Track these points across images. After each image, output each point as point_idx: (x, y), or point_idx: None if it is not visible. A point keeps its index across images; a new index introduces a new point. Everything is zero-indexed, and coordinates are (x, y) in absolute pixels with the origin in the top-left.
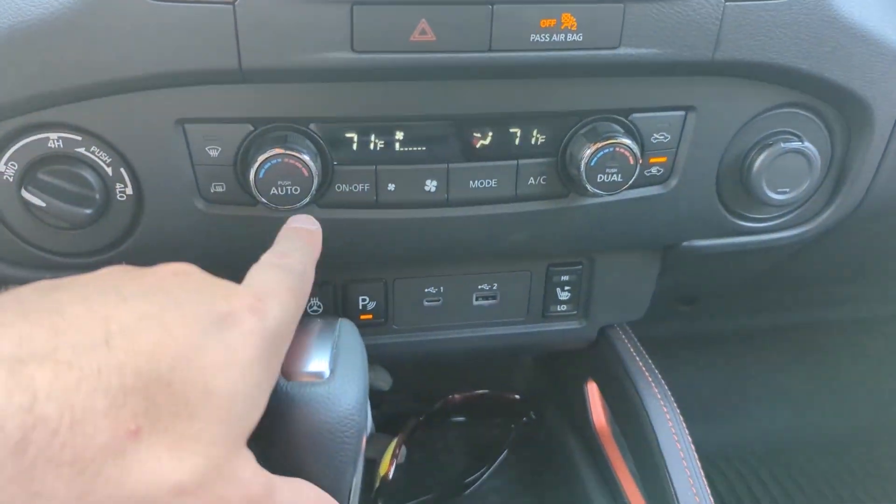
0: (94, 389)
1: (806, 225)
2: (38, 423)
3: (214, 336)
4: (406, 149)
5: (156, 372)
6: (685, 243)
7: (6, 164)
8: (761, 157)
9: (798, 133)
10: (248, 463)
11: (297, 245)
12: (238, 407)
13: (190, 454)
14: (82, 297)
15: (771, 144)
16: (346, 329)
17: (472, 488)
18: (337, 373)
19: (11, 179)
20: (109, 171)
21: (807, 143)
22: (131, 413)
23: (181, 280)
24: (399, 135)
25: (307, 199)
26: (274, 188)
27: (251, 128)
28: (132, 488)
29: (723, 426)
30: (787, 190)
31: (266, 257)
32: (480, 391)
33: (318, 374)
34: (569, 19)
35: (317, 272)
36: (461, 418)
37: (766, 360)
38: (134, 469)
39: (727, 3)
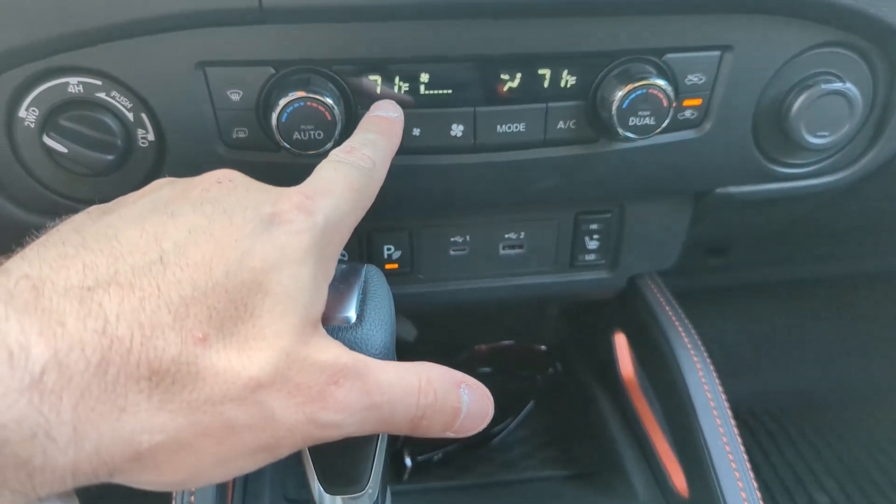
0: (157, 307)
1: (845, 171)
2: (113, 344)
3: (263, 237)
4: (431, 92)
5: (212, 281)
6: (719, 190)
7: (27, 109)
8: (800, 99)
9: (839, 74)
10: (325, 349)
11: (370, 137)
12: (296, 301)
13: (257, 350)
14: (133, 219)
15: (811, 86)
16: (373, 274)
17: (497, 438)
18: (364, 318)
19: (33, 125)
20: (130, 116)
21: (848, 84)
22: (196, 322)
23: (226, 188)
24: (424, 77)
25: (331, 144)
26: (297, 133)
27: (273, 71)
28: (209, 391)
29: (751, 379)
30: (827, 133)
31: (334, 152)
32: (506, 342)
33: (345, 320)
34: None
35: None
36: (487, 369)
37: (796, 313)
38: (208, 373)
39: None
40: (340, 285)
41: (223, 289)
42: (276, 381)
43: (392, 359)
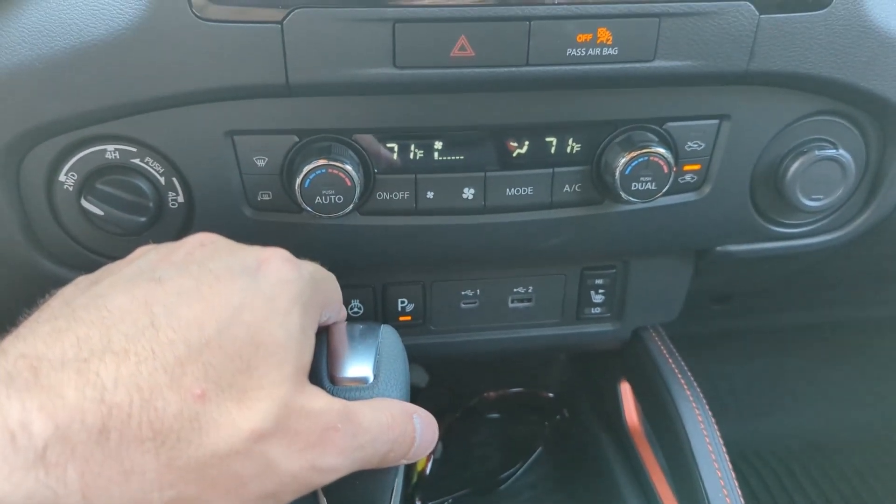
0: (153, 369)
1: (840, 230)
2: (112, 410)
3: (251, 290)
4: (444, 158)
5: (205, 338)
6: (718, 248)
7: (66, 174)
8: (795, 165)
9: (833, 140)
10: (317, 396)
11: None
12: (288, 351)
13: (256, 401)
14: (121, 287)
15: (805, 152)
16: (389, 335)
17: (506, 484)
18: (380, 378)
19: (71, 189)
20: (162, 180)
21: (841, 151)
22: (193, 379)
23: (210, 250)
24: (438, 144)
25: (350, 208)
26: (318, 197)
27: (296, 139)
28: (213, 446)
29: (758, 422)
30: (821, 197)
31: None
32: (515, 389)
33: (363, 380)
34: (605, 34)
35: (357, 275)
36: (496, 415)
37: (803, 357)
38: (210, 428)
39: (762, 16)
40: (359, 345)
41: (217, 344)
42: (278, 430)
43: None
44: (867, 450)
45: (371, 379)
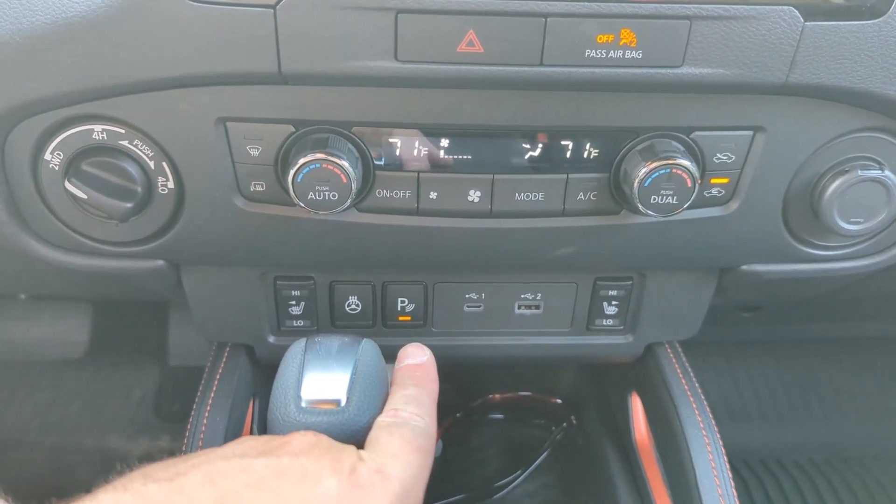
0: None
1: (878, 255)
2: None
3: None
4: (450, 157)
5: None
6: (744, 267)
7: (52, 153)
8: (835, 184)
9: (878, 159)
10: None
11: (409, 394)
12: None
13: None
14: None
15: (847, 171)
16: (368, 351)
17: (505, 491)
18: (353, 401)
19: (57, 168)
20: (152, 164)
21: (887, 172)
22: None
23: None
24: (444, 142)
25: (346, 205)
26: (312, 193)
27: (292, 129)
28: None
29: (782, 430)
30: (861, 220)
31: (383, 419)
32: (522, 393)
33: (335, 402)
34: (628, 35)
35: (356, 271)
36: (499, 416)
37: (833, 367)
38: None
39: (807, 24)
40: (335, 364)
41: None
42: None
43: None
44: (892, 463)
45: (343, 401)
